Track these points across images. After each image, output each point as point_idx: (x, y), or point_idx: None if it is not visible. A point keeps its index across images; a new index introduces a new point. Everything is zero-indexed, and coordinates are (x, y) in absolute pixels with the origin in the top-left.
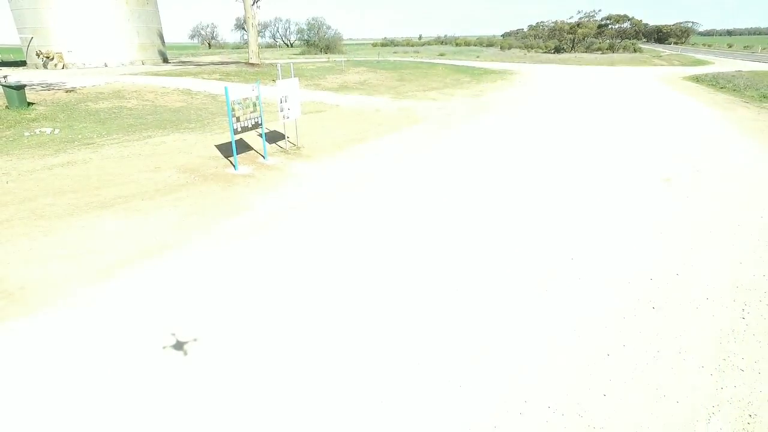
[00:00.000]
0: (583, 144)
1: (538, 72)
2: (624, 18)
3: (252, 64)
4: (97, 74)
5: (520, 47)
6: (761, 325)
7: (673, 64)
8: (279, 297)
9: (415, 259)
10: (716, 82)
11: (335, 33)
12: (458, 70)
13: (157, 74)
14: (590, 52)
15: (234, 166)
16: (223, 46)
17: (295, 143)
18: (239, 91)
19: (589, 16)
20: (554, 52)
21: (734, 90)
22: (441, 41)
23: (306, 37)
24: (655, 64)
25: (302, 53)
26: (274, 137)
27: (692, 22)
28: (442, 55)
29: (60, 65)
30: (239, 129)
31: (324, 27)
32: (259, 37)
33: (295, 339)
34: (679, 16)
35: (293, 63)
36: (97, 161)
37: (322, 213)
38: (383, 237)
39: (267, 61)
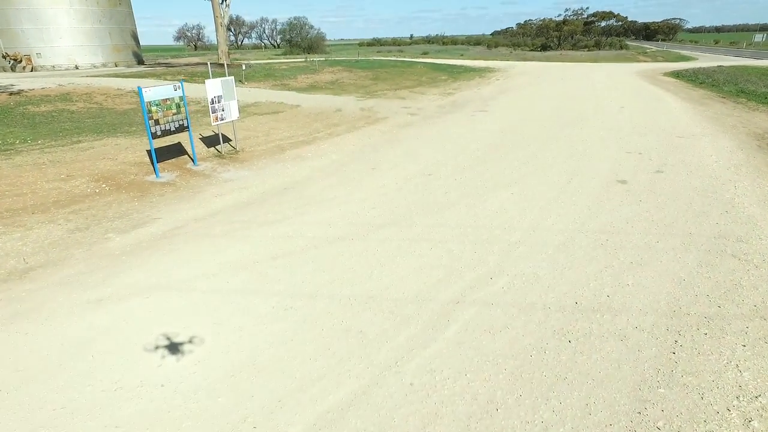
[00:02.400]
0: (541, 147)
1: (519, 69)
2: (610, 15)
3: (221, 65)
4: (61, 76)
5: (507, 45)
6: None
7: (657, 60)
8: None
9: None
10: (695, 78)
11: (318, 33)
12: (437, 68)
13: (120, 76)
14: (576, 50)
15: (155, 172)
16: (209, 48)
17: (235, 146)
18: (159, 91)
19: (576, 14)
20: (541, 50)
21: (713, 85)
22: (428, 40)
23: (288, 37)
24: (639, 61)
25: (284, 54)
26: (214, 141)
27: (680, 19)
28: (425, 54)
29: (28, 68)
30: (158, 132)
31: (306, 27)
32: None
33: None
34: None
35: (266, 63)
36: (4, 169)
37: (231, 228)
38: (294, 264)
39: (245, 61)
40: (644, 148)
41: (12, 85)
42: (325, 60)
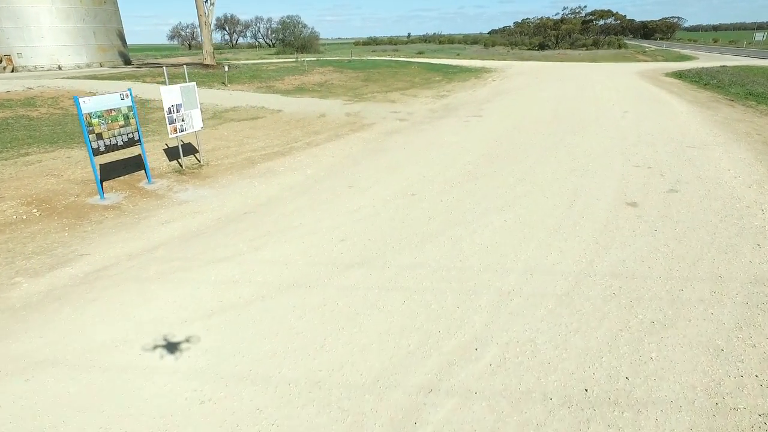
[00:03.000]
0: (539, 159)
1: (516, 69)
2: (608, 14)
3: (206, 66)
4: (37, 77)
5: (504, 44)
6: None
7: (657, 60)
8: None
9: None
10: (699, 78)
11: (311, 32)
12: (432, 68)
13: (99, 77)
14: (574, 49)
15: (100, 193)
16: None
17: (200, 160)
18: (102, 101)
19: (574, 13)
20: (538, 49)
21: (719, 87)
22: (425, 39)
23: (281, 36)
24: (638, 60)
25: (277, 53)
26: (184, 152)
27: (678, 18)
28: (420, 53)
29: (9, 68)
30: (102, 148)
31: (299, 26)
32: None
33: None
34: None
35: (255, 63)
36: None
37: (169, 268)
38: (231, 325)
39: (231, 62)
40: (653, 161)
41: None
42: (317, 60)
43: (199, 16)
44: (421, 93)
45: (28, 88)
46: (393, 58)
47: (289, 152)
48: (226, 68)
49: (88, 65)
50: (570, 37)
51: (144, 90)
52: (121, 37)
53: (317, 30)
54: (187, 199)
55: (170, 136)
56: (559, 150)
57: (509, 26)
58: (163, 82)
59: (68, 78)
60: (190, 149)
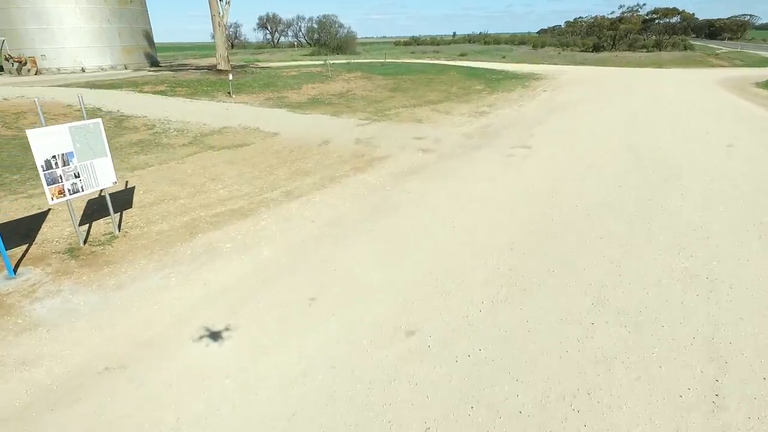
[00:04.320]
0: (626, 251)
1: (570, 76)
2: (674, 12)
3: (219, 71)
4: (50, 84)
5: (554, 45)
6: None
7: (735, 65)
8: None
9: None
10: None
11: (348, 32)
12: (473, 74)
13: (96, 85)
14: (633, 50)
15: None
16: (245, 46)
17: (116, 228)
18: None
19: (632, 11)
20: (592, 51)
21: None
22: (469, 39)
23: (317, 36)
24: (712, 65)
25: (311, 54)
26: (114, 206)
27: (750, 15)
28: (462, 55)
29: (33, 70)
30: None
31: (335, 26)
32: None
33: None
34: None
35: (276, 67)
36: None
37: None
38: None
39: (259, 65)
40: None
41: None
42: (347, 63)
43: (213, 15)
44: (456, 108)
45: (5, 98)
46: (431, 61)
47: (254, 210)
48: (231, 77)
49: (113, 67)
50: (628, 37)
51: (132, 103)
52: (148, 38)
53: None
54: (40, 321)
55: (50, 203)
56: (651, 222)
57: (559, 26)
58: (167, 93)
59: (68, 86)
60: (122, 201)
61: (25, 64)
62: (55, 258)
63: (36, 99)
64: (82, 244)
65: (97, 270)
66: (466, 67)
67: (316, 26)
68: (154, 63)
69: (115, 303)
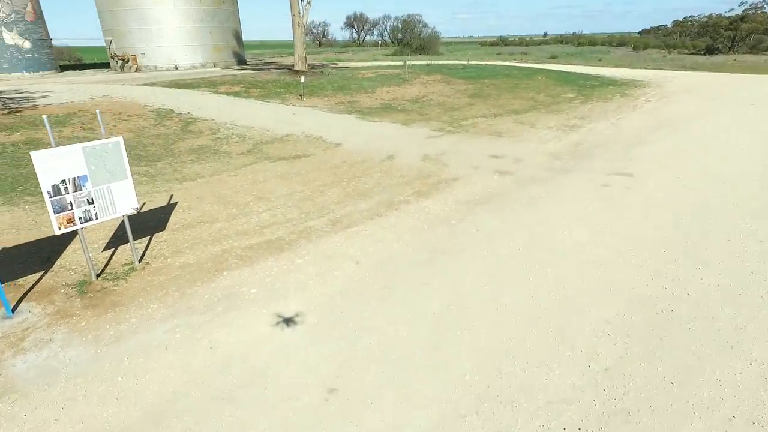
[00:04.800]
0: None
1: (679, 83)
2: None
3: (296, 72)
4: (143, 79)
5: (658, 47)
6: None
7: None
8: None
9: None
10: None
11: (432, 32)
12: (564, 79)
13: (179, 84)
14: (756, 53)
15: None
16: (332, 45)
17: (137, 257)
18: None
19: (755, 8)
20: (704, 54)
21: None
22: (561, 40)
23: (400, 36)
24: None
25: (393, 54)
26: (146, 223)
27: None
28: (553, 57)
29: (134, 68)
30: None
31: (419, 25)
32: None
33: None
34: None
35: (354, 67)
36: None
37: None
38: None
39: (338, 64)
40: None
41: (45, 95)
42: (427, 65)
43: (293, 15)
44: (542, 120)
45: (92, 98)
46: (518, 64)
47: (293, 243)
48: (303, 79)
49: (203, 65)
50: (750, 38)
51: (204, 104)
52: (237, 37)
53: (442, 29)
54: (12, 385)
55: (57, 232)
56: None
57: (665, 26)
58: (240, 94)
59: (152, 84)
60: (157, 221)
61: (128, 61)
62: (62, 293)
63: (98, 111)
64: (94, 278)
65: (100, 314)
66: (557, 71)
67: (399, 26)
68: (241, 61)
69: (103, 366)
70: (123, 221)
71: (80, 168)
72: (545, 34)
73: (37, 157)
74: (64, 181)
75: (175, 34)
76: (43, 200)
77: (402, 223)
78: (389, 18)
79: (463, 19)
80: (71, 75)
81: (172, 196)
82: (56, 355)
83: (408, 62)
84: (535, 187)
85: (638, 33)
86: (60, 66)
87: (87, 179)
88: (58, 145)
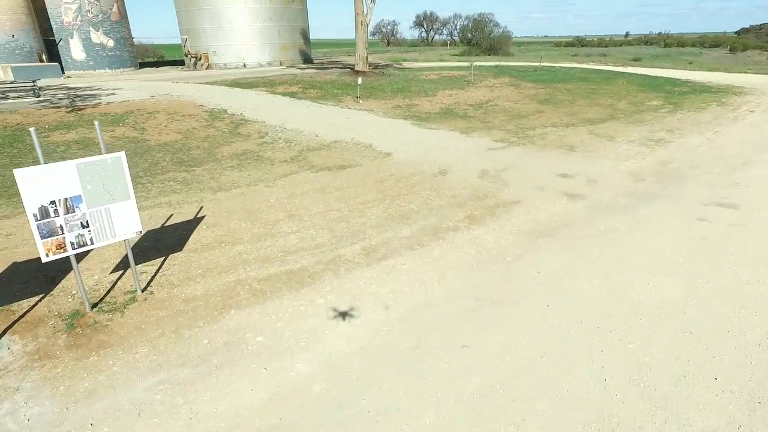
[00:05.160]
0: None
1: None
2: None
3: (356, 72)
4: (209, 77)
5: (761, 48)
6: None
7: None
8: None
9: None
10: None
11: (503, 32)
12: (649, 85)
13: (240, 84)
14: None
15: None
16: (400, 44)
17: (141, 285)
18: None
19: None
20: None
21: None
22: (645, 41)
23: (469, 35)
24: None
25: (461, 54)
26: (161, 241)
27: None
28: (636, 60)
29: (205, 65)
30: None
31: (490, 24)
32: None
33: None
34: None
35: (419, 68)
36: None
37: None
38: None
39: (402, 67)
40: None
41: (113, 93)
42: (495, 67)
43: (356, 14)
44: (622, 132)
45: (153, 96)
46: (596, 66)
47: (317, 277)
48: (360, 81)
49: (270, 63)
50: None
51: (259, 105)
52: (304, 36)
53: (515, 29)
54: None
55: (44, 260)
56: None
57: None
58: (297, 95)
59: (214, 83)
60: (177, 239)
61: (200, 59)
62: (50, 326)
63: (96, 123)
64: (89, 309)
65: (82, 356)
66: (640, 74)
67: (469, 25)
68: (307, 60)
69: None
70: (148, 233)
71: (73, 187)
72: (627, 34)
73: (22, 175)
74: (54, 202)
75: (244, 32)
76: None
77: (447, 257)
78: (460, 17)
79: (538, 18)
80: (147, 72)
81: (201, 208)
82: (17, 411)
83: (474, 63)
84: (611, 218)
85: (735, 33)
86: (139, 63)
87: (81, 200)
88: (107, 145)
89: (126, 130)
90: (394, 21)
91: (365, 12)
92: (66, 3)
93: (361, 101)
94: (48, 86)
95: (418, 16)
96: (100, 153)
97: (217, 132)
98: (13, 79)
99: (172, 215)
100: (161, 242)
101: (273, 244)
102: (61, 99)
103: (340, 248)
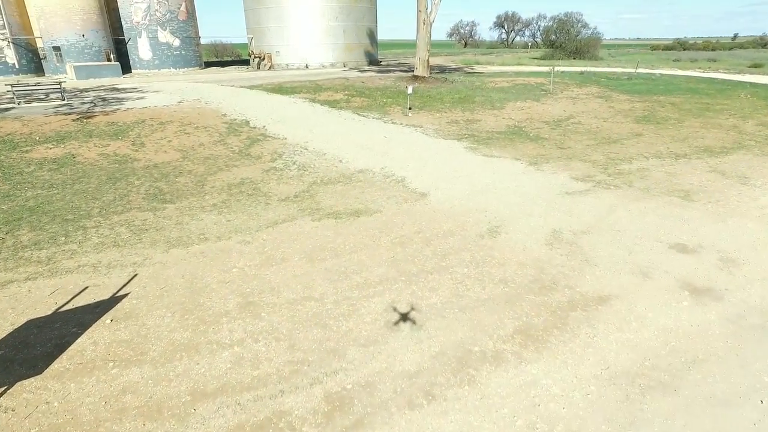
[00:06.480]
0: None
1: None
2: None
3: (415, 77)
4: (261, 78)
5: None
6: None
7: None
8: None
9: None
10: None
11: (592, 33)
12: None
13: (284, 89)
14: None
15: None
16: (477, 45)
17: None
18: None
19: None
20: None
21: None
22: (761, 42)
23: (553, 37)
24: None
25: (542, 57)
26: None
27: None
28: (756, 66)
29: (268, 66)
30: None
31: (577, 25)
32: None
33: None
34: None
35: (491, 72)
36: None
37: None
38: None
39: (472, 71)
40: None
41: (143, 97)
42: (581, 73)
43: (419, 12)
44: (759, 169)
45: (179, 102)
46: (705, 74)
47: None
48: (410, 90)
49: (332, 65)
50: None
51: (287, 116)
52: (371, 36)
53: (605, 30)
54: None
55: None
56: None
57: None
58: (339, 104)
59: (253, 87)
60: (50, 341)
61: (263, 59)
62: None
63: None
64: None
65: None
66: (765, 85)
67: (553, 25)
68: (372, 61)
69: None
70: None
71: None
72: (735, 36)
73: None
74: None
75: (309, 32)
76: (35, 251)
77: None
78: (544, 17)
79: (630, 20)
80: (207, 72)
81: (133, 278)
82: None
83: (556, 68)
84: (754, 340)
85: None
86: (205, 63)
87: None
88: (92, 165)
89: (121, 146)
90: (473, 22)
91: (429, 10)
92: (136, 2)
93: (410, 113)
94: (91, 87)
95: (498, 17)
96: (75, 173)
97: (225, 150)
98: (74, 78)
99: (86, 288)
100: (23, 351)
101: (185, 373)
102: (83, 103)
103: (288, 394)
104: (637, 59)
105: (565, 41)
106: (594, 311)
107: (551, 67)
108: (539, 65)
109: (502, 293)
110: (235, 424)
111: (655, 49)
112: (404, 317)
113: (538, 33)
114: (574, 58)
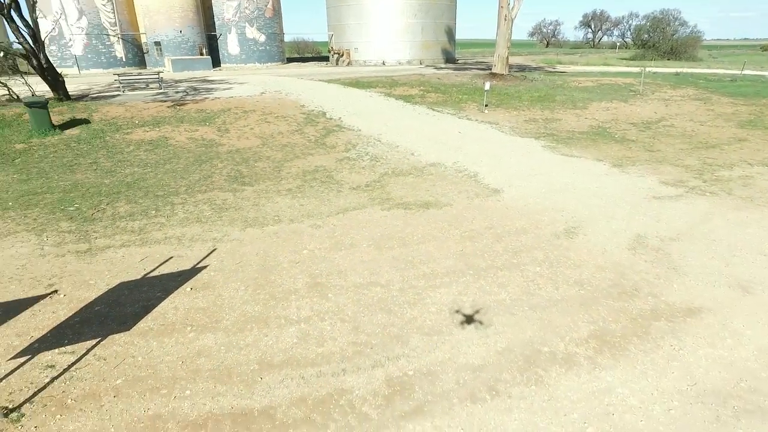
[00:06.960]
0: None
1: None
2: None
3: (493, 75)
4: (344, 73)
5: None
6: None
7: None
8: None
9: None
10: None
11: (692, 31)
12: None
13: (361, 83)
14: None
15: None
16: (561, 45)
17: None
18: None
19: None
20: None
21: None
22: None
23: (646, 36)
24: None
25: (632, 58)
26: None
27: None
28: None
29: (346, 62)
30: None
31: (675, 23)
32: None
33: None
34: None
35: (575, 72)
36: None
37: None
38: None
39: (554, 70)
40: None
41: (230, 87)
42: (676, 74)
43: (500, 7)
44: None
45: (262, 93)
46: None
47: None
48: (487, 86)
49: (409, 62)
50: None
51: (363, 109)
52: (449, 33)
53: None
54: None
55: None
56: None
57: None
58: (413, 98)
59: (330, 81)
60: (138, 303)
61: (342, 55)
62: None
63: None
64: None
65: None
66: None
67: (647, 24)
68: (449, 59)
69: None
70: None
71: None
72: None
73: None
74: None
75: (387, 29)
76: (64, 230)
77: None
78: (636, 16)
79: (736, 18)
80: (289, 67)
81: (212, 252)
82: None
83: (648, 69)
84: None
85: None
86: (287, 58)
87: None
88: (181, 147)
89: (208, 131)
90: (556, 21)
91: (511, 5)
92: (228, 0)
93: (486, 110)
94: (185, 79)
95: (585, 16)
96: (166, 154)
97: (302, 139)
98: (171, 70)
99: (171, 258)
100: (115, 309)
101: (254, 343)
102: (177, 92)
103: (350, 373)
104: (743, 60)
105: (659, 41)
106: (681, 323)
107: (642, 68)
108: (628, 65)
109: (576, 295)
110: (298, 396)
111: (765, 50)
112: (470, 310)
113: (629, 32)
114: (668, 59)
